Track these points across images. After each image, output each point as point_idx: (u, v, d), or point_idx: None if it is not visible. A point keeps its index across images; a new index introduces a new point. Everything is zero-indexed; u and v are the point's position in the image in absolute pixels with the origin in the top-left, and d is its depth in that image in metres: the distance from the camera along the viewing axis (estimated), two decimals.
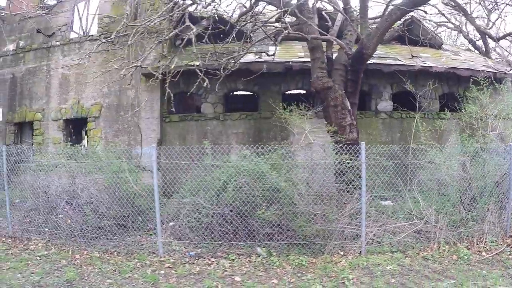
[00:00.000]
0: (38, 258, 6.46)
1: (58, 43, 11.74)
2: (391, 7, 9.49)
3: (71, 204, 7.91)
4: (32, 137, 12.58)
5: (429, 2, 9.09)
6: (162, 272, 5.91)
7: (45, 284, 5.41)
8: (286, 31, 8.17)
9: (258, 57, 10.37)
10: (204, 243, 6.69)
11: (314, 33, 8.52)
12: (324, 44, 9.32)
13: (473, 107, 9.08)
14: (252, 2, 9.91)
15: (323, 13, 10.64)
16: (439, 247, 6.35)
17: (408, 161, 7.44)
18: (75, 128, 11.97)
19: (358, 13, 10.56)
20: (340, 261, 6.04)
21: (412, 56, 11.61)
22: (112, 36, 10.61)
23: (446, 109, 10.80)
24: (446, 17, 12.80)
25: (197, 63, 10.08)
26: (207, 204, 6.80)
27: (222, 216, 6.66)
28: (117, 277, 5.72)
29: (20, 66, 12.37)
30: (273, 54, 9.88)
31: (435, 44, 12.60)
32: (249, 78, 9.60)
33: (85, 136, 12.65)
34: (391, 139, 11.03)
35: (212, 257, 6.39)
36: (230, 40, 8.65)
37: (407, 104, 10.65)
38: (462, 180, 7.12)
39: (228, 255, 6.37)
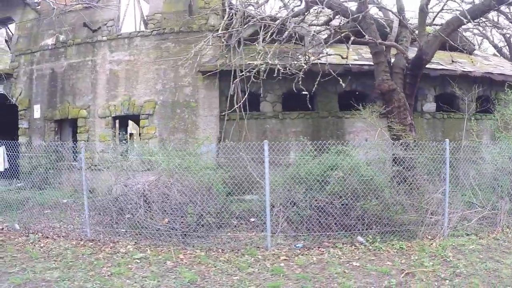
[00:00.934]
0: (137, 261, 6.18)
1: (105, 38, 11.43)
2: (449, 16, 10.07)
3: (153, 202, 7.75)
4: (71, 135, 12.19)
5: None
6: (282, 264, 5.99)
7: None
8: (353, 37, 8.57)
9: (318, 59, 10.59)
10: (305, 235, 6.92)
11: (377, 38, 8.92)
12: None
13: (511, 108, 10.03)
14: (308, 5, 10.18)
15: (380, 19, 11.07)
16: (503, 230, 7.29)
17: (469, 156, 8.18)
18: (120, 125, 11.69)
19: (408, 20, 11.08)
20: (431, 244, 6.66)
21: (452, 62, 12.27)
22: (166, 33, 10.58)
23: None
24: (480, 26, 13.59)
25: (260, 62, 10.20)
26: (305, 197, 6.99)
27: (322, 208, 6.86)
28: (240, 274, 5.70)
29: (61, 61, 11.93)
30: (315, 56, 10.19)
31: (468, 50, 13.34)
32: (307, 78, 9.79)
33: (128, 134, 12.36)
34: (434, 138, 11.59)
35: (319, 247, 6.63)
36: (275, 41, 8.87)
37: (446, 105, 11.40)
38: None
39: (335, 244, 6.67)
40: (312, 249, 6.56)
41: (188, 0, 10.99)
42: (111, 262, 6.12)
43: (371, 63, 9.79)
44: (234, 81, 8.58)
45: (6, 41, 15.28)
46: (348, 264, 5.91)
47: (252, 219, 7.82)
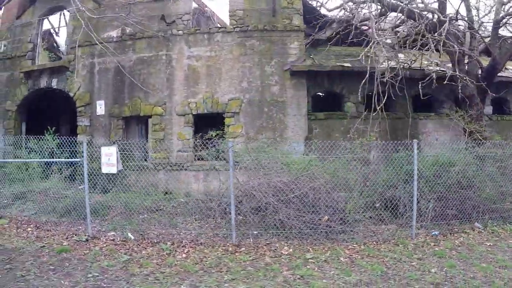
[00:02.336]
0: (311, 260, 6.12)
1: (180, 32, 10.94)
2: None
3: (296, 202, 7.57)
4: (138, 133, 11.55)
5: None
6: (437, 249, 6.62)
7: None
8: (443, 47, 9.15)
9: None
10: (434, 224, 7.50)
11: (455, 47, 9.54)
12: None
13: None
14: (382, 11, 10.56)
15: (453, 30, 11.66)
16: None
17: None
18: (199, 123, 11.27)
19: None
20: None
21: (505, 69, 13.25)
22: (250, 30, 10.46)
23: None
24: None
25: (347, 64, 10.39)
26: (429, 190, 7.44)
27: (443, 199, 7.51)
28: (410, 260, 6.12)
29: (128, 54, 11.24)
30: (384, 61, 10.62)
31: None
32: (385, 80, 10.14)
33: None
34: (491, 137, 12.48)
35: (450, 233, 7.35)
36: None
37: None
38: None
39: (463, 230, 7.43)
40: (446, 235, 7.24)
41: None
42: (286, 266, 5.98)
43: (442, 69, 10.32)
44: (375, 83, 8.63)
45: (50, 34, 14.06)
46: (484, 244, 6.75)
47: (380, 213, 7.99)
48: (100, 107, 11.26)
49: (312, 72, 10.62)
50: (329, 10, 11.70)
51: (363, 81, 9.31)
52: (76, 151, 10.98)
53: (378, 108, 9.03)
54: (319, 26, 11.31)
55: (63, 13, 14.55)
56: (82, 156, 7.36)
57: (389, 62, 10.39)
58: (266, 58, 10.66)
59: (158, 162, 10.59)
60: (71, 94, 11.66)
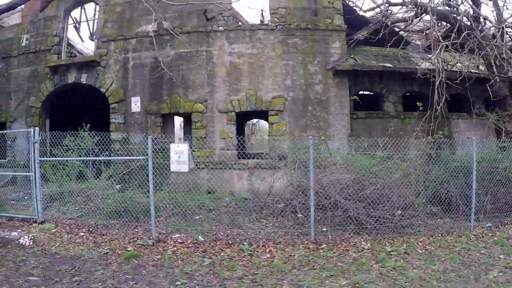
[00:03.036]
0: (393, 253, 6.24)
1: (221, 28, 10.76)
2: None
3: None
4: (172, 130, 11.24)
5: None
6: (496, 238, 6.97)
7: None
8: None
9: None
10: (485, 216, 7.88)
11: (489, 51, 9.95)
12: None
13: None
14: (418, 14, 10.86)
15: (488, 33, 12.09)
16: None
17: None
18: (239, 121, 11.11)
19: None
20: None
21: None
22: (292, 28, 10.48)
23: None
24: None
25: (389, 65, 10.58)
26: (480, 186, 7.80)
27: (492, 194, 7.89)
28: (477, 249, 6.46)
29: (166, 49, 10.93)
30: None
31: None
32: (421, 81, 10.43)
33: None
34: None
35: (501, 225, 7.70)
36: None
37: None
38: None
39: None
40: (498, 227, 7.61)
41: None
42: (373, 259, 6.02)
43: (474, 70, 10.69)
44: (437, 84, 8.76)
45: (75, 27, 13.46)
46: None
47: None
48: (136, 104, 10.89)
49: (354, 72, 10.71)
50: (364, 11, 11.82)
51: (405, 81, 9.45)
52: (113, 148, 10.60)
53: (438, 108, 9.20)
54: (356, 26, 11.43)
55: (84, 7, 14.05)
56: (146, 154, 7.01)
57: (429, 63, 10.65)
58: (309, 57, 10.65)
59: (200, 161, 10.32)
60: (103, 90, 11.21)
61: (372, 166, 7.79)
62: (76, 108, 13.88)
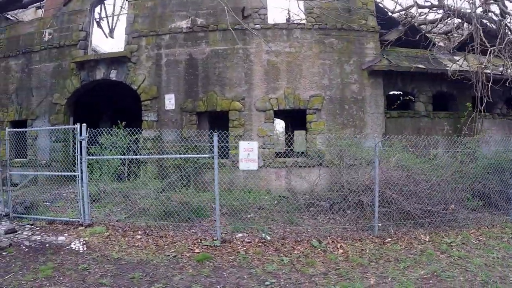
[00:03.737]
0: (453, 244, 6.57)
1: (258, 26, 10.71)
2: None
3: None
4: (213, 129, 11.07)
5: None
6: None
7: None
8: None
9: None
10: None
11: None
12: None
13: None
14: (444, 17, 11.25)
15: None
16: None
17: None
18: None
19: None
20: None
21: None
22: (328, 28, 10.62)
23: None
24: None
25: (422, 66, 10.87)
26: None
27: None
28: None
29: (201, 46, 10.77)
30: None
31: None
32: (450, 82, 10.79)
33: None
34: None
35: None
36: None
37: None
38: None
39: None
40: None
41: None
42: (437, 250, 6.34)
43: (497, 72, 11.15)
44: (477, 86, 9.04)
45: (97, 22, 13.00)
46: None
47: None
48: (170, 101, 10.66)
49: (386, 72, 10.92)
50: (392, 12, 12.07)
51: (435, 81, 9.71)
52: (145, 147, 10.32)
53: (481, 109, 9.51)
54: (385, 27, 11.66)
55: (104, 3, 13.64)
56: (212, 152, 6.86)
57: (458, 64, 11.01)
58: (344, 57, 10.77)
59: (237, 159, 10.19)
60: (134, 87, 10.91)
61: (423, 163, 8.00)
62: (93, 106, 13.42)
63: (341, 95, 10.65)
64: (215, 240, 6.69)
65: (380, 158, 8.26)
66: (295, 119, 10.56)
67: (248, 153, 6.80)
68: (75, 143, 7.15)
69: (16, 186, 10.50)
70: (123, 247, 6.42)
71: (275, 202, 9.31)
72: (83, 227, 7.25)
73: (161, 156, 8.11)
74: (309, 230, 7.36)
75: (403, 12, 12.33)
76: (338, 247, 6.51)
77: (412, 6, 11.52)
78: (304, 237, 6.95)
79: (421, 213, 7.33)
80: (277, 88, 10.60)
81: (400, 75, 11.24)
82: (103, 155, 9.04)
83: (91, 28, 11.60)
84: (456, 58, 11.67)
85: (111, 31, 13.75)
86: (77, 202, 9.07)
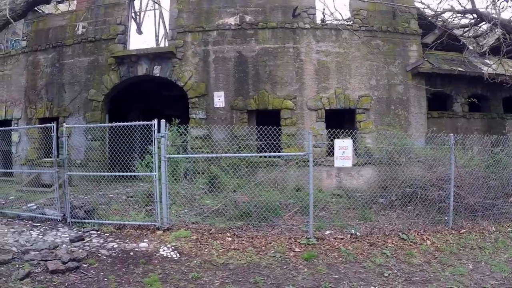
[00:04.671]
0: None
1: (307, 25, 10.73)
2: None
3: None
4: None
5: None
6: None
7: None
8: None
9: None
10: None
11: None
12: None
13: None
14: (477, 21, 11.95)
15: None
16: None
17: None
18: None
19: None
20: None
21: None
22: (374, 30, 10.93)
23: None
24: None
25: (461, 69, 11.42)
26: None
27: None
28: None
29: (250, 44, 10.60)
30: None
31: None
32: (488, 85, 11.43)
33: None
34: None
35: None
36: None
37: None
38: None
39: None
40: None
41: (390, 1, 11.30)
42: (508, 239, 6.79)
43: None
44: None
45: (133, 18, 12.33)
46: None
47: None
48: (219, 99, 10.36)
49: (427, 74, 11.33)
50: (428, 17, 12.55)
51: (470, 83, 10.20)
52: (193, 146, 9.93)
53: None
54: (424, 31, 12.11)
55: None
56: (308, 151, 6.73)
57: (492, 68, 11.63)
58: (390, 58, 11.05)
59: (288, 158, 10.10)
60: (181, 84, 10.51)
61: (484, 161, 8.39)
62: (121, 101, 12.72)
63: (388, 95, 10.90)
64: (309, 238, 6.57)
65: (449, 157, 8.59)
66: (331, 120, 10.61)
67: (343, 151, 6.75)
68: (110, 142, 6.67)
69: (50, 188, 9.68)
70: (220, 250, 6.08)
71: (333, 200, 9.35)
72: (161, 231, 6.74)
73: (248, 155, 7.88)
74: (383, 225, 7.41)
75: (439, 18, 12.85)
76: (424, 238, 6.72)
77: (448, 10, 12.02)
78: (388, 231, 6.99)
79: (483, 206, 7.65)
80: (327, 87, 10.64)
81: (440, 77, 11.69)
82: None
83: (129, 22, 11.05)
84: (487, 61, 12.31)
85: (139, 27, 13.16)
86: (136, 204, 8.63)
